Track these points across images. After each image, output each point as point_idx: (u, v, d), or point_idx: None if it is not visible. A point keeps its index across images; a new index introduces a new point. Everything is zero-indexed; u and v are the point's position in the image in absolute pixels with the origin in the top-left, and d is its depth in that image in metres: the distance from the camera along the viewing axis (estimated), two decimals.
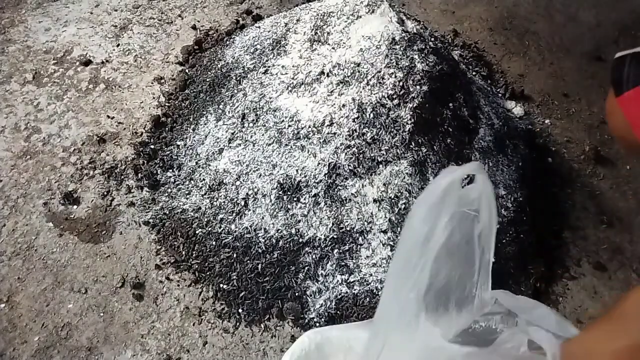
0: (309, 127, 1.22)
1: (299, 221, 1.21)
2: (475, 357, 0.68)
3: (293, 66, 1.30)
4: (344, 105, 1.21)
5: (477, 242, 0.71)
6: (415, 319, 0.68)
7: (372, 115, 1.21)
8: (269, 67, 1.35)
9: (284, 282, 1.20)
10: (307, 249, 1.20)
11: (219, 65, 1.54)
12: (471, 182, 0.70)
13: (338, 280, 1.20)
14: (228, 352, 1.16)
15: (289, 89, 1.28)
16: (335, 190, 1.21)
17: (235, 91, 1.39)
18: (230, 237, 1.24)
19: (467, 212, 0.68)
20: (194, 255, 1.26)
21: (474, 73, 1.73)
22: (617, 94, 0.70)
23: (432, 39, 1.37)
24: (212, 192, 1.29)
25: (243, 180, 1.26)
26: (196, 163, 1.36)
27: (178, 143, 1.44)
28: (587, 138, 1.64)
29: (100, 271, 1.26)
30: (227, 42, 1.68)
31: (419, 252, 0.65)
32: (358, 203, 1.21)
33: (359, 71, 1.22)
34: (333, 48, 1.28)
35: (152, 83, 1.63)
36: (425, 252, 0.65)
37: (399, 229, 1.21)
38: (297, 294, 1.20)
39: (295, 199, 1.22)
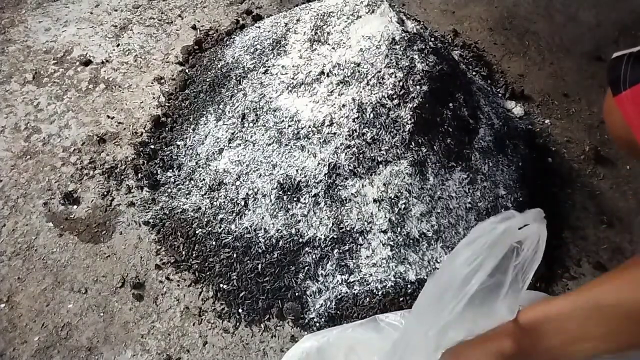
0: (309, 127, 1.22)
1: (299, 221, 1.21)
2: None
3: (293, 66, 1.30)
4: (344, 105, 1.21)
5: (511, 272, 0.67)
6: (432, 357, 0.68)
7: (372, 115, 1.21)
8: (269, 67, 1.35)
9: (284, 282, 1.20)
10: (307, 249, 1.21)
11: (219, 65, 1.54)
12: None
13: (338, 280, 1.20)
14: (228, 352, 1.16)
15: (289, 89, 1.28)
16: (335, 190, 1.21)
17: (235, 91, 1.39)
18: (230, 237, 1.24)
19: (511, 244, 0.63)
20: (194, 255, 1.26)
21: (474, 73, 1.73)
22: (615, 94, 0.70)
23: (432, 39, 1.37)
24: (212, 192, 1.29)
25: (243, 180, 1.26)
26: (196, 163, 1.36)
27: (178, 143, 1.44)
28: (587, 138, 1.64)
29: (100, 271, 1.26)
30: (227, 42, 1.68)
31: (454, 293, 0.62)
32: (358, 203, 1.21)
33: (359, 71, 1.22)
34: (333, 48, 1.28)
35: (152, 83, 1.63)
36: (459, 294, 0.62)
37: (399, 228, 1.21)
38: (297, 294, 1.20)
39: (295, 199, 1.22)
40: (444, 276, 0.65)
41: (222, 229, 1.25)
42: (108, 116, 1.54)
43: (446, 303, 0.64)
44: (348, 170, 1.21)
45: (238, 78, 1.41)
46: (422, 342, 0.67)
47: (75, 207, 1.36)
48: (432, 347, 0.67)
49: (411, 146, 1.22)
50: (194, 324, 1.20)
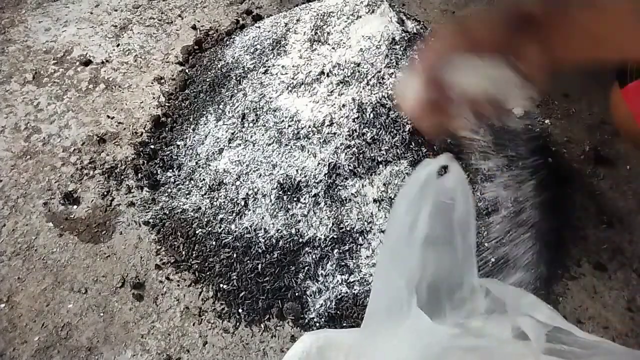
0: (309, 127, 1.22)
1: (299, 221, 1.21)
2: (460, 339, 0.69)
3: (293, 66, 1.31)
4: (344, 105, 1.21)
5: (457, 230, 0.72)
6: (406, 305, 0.69)
7: (372, 115, 1.21)
8: (269, 67, 1.35)
9: (284, 282, 1.20)
10: (307, 249, 1.21)
11: (219, 65, 1.54)
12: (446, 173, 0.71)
13: (338, 280, 1.20)
14: (228, 352, 1.16)
15: (289, 89, 1.28)
16: (335, 190, 1.21)
17: (235, 91, 1.39)
18: (230, 237, 1.24)
19: (444, 202, 0.69)
20: (194, 255, 1.26)
21: None
22: (622, 86, 0.70)
23: None
24: (212, 192, 1.29)
25: (243, 180, 1.26)
26: (196, 163, 1.36)
27: (178, 143, 1.44)
28: (587, 138, 1.64)
29: (100, 271, 1.26)
30: (227, 42, 1.68)
31: (405, 242, 0.67)
32: (358, 203, 1.21)
33: (359, 71, 1.22)
34: (333, 48, 1.28)
35: (152, 83, 1.63)
36: (411, 242, 0.67)
37: None
38: (297, 294, 1.20)
39: (295, 199, 1.22)
40: (391, 231, 0.69)
41: (222, 229, 1.25)
42: (108, 116, 1.54)
43: (402, 253, 0.67)
44: (348, 170, 1.21)
45: (238, 78, 1.41)
46: (393, 296, 0.69)
47: (75, 207, 1.36)
48: (405, 295, 0.69)
49: (411, 146, 1.22)
50: (194, 324, 1.20)
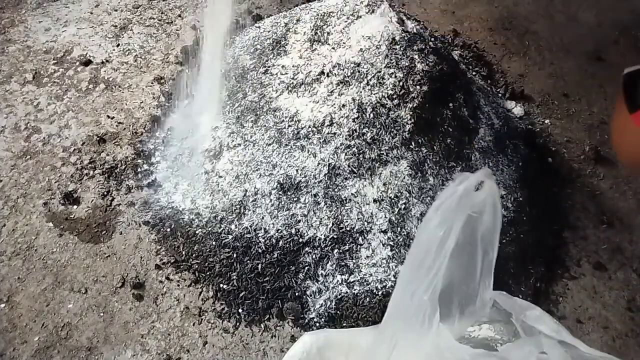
0: (309, 127, 1.22)
1: (299, 221, 1.21)
2: (483, 359, 0.69)
3: (293, 66, 1.30)
4: (344, 105, 1.21)
5: (480, 243, 0.73)
6: (429, 320, 0.69)
7: (372, 115, 1.21)
8: (268, 67, 1.35)
9: (284, 282, 1.20)
10: (307, 249, 1.21)
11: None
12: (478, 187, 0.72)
13: (338, 280, 1.20)
14: (228, 352, 1.16)
15: (289, 89, 1.28)
16: (335, 190, 1.21)
17: (235, 91, 1.39)
18: (230, 237, 1.24)
19: (471, 214, 0.70)
20: (194, 255, 1.26)
21: (473, 73, 1.73)
22: (632, 111, 0.67)
23: (432, 39, 1.37)
24: (212, 192, 1.29)
25: (243, 180, 1.26)
26: (196, 163, 1.36)
27: (178, 143, 1.44)
28: (587, 138, 1.64)
29: (100, 271, 1.26)
30: (227, 42, 1.67)
31: (434, 256, 0.67)
32: (358, 203, 1.21)
33: (359, 71, 1.22)
34: (333, 48, 1.28)
35: (152, 83, 1.63)
36: (439, 256, 0.67)
37: (399, 228, 1.21)
38: (297, 294, 1.20)
39: (295, 199, 1.22)
40: (421, 242, 0.69)
41: (222, 229, 1.25)
42: (108, 116, 1.54)
43: (429, 266, 0.67)
44: (348, 170, 1.21)
45: (238, 78, 1.41)
46: (415, 308, 0.69)
47: (75, 207, 1.36)
48: (429, 310, 0.69)
49: (411, 146, 1.22)
50: (194, 324, 1.20)
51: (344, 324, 1.18)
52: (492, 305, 0.79)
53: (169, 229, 1.31)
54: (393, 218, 1.21)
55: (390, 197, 1.21)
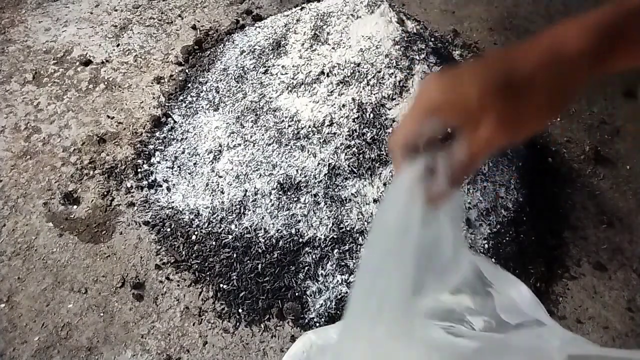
0: (309, 127, 1.22)
1: (299, 221, 1.21)
2: (487, 354, 0.66)
3: (293, 66, 1.30)
4: (344, 105, 1.21)
5: (447, 224, 0.69)
6: (408, 316, 0.66)
7: (372, 115, 1.21)
8: (268, 67, 1.35)
9: (284, 282, 1.20)
10: (307, 249, 1.20)
11: (219, 66, 1.54)
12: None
13: (338, 280, 1.20)
14: (228, 352, 1.16)
15: (289, 89, 1.28)
16: (335, 190, 1.21)
17: (235, 91, 1.39)
18: (230, 237, 1.24)
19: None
20: (194, 255, 1.26)
21: None
22: None
23: (432, 39, 1.37)
24: (212, 192, 1.29)
25: (243, 180, 1.26)
26: (196, 163, 1.36)
27: (178, 143, 1.44)
28: (587, 138, 1.64)
29: (100, 271, 1.26)
30: (227, 42, 1.68)
31: (397, 252, 0.63)
32: (358, 203, 1.21)
33: (359, 71, 1.22)
34: (333, 48, 1.28)
35: (152, 83, 1.63)
36: (403, 252, 0.63)
37: None
38: (297, 294, 1.20)
39: (295, 199, 1.22)
40: (379, 241, 0.64)
41: (222, 229, 1.25)
42: (108, 116, 1.54)
43: (396, 262, 0.62)
44: (348, 170, 1.21)
45: (238, 78, 1.41)
46: (394, 293, 0.64)
47: (75, 207, 1.36)
48: (408, 292, 0.64)
49: None
50: (194, 324, 1.20)
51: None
52: (474, 267, 0.75)
53: (169, 229, 1.31)
54: None
55: None
